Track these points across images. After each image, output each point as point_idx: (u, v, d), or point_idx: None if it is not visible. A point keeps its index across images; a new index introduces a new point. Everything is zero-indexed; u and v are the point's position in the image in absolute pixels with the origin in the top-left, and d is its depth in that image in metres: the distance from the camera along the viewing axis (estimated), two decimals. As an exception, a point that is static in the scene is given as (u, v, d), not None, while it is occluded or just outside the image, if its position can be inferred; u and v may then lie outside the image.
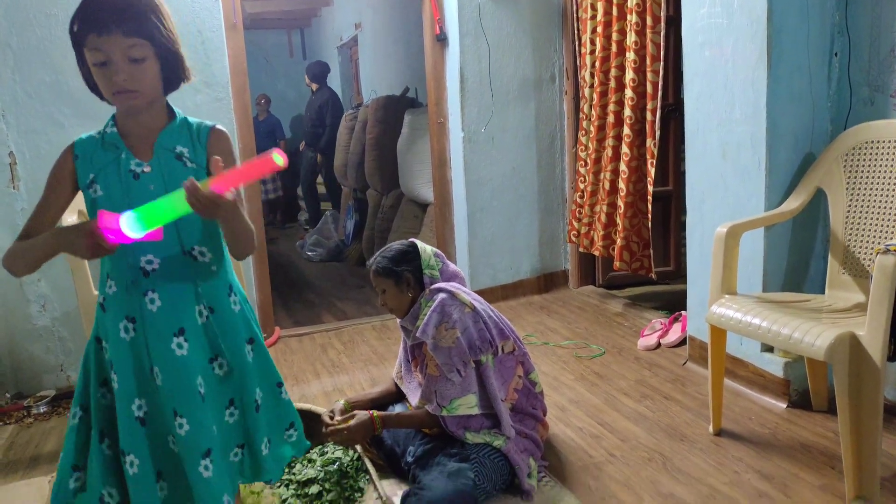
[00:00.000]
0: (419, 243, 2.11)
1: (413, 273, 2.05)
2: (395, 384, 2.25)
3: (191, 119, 1.37)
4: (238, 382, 1.40)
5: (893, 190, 2.10)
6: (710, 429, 2.24)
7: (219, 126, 1.37)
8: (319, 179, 7.13)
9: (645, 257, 3.41)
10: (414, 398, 2.09)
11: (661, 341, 3.05)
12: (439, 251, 2.14)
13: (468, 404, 1.94)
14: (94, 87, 1.30)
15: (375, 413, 1.98)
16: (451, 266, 2.14)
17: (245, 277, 3.15)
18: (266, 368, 1.46)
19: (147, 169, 1.30)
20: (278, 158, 1.08)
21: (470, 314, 2.00)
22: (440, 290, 2.03)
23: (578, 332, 3.34)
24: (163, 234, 1.19)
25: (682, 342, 2.98)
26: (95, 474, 1.34)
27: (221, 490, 1.33)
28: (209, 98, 3.12)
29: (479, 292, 3.70)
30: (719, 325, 2.10)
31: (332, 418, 2.04)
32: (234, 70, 3.23)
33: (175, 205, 1.15)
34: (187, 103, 3.07)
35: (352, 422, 1.96)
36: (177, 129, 1.33)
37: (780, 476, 1.96)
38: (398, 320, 2.11)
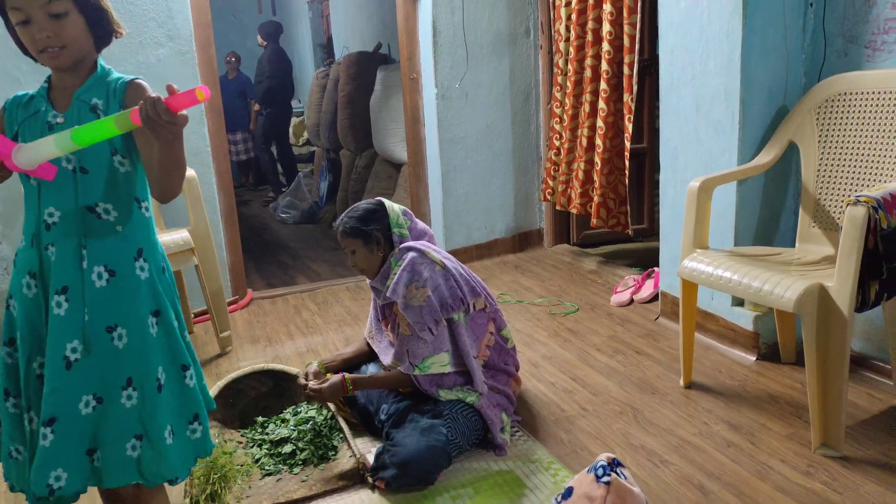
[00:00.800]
0: (387, 202, 2.07)
1: (382, 232, 2.01)
2: (368, 343, 2.23)
3: (115, 74, 1.35)
4: (137, 357, 1.31)
5: (865, 142, 2.10)
6: (681, 382, 2.27)
7: (138, 80, 1.33)
8: (297, 141, 7.01)
9: (622, 214, 3.41)
10: (385, 357, 2.08)
11: (634, 297, 3.06)
12: (408, 209, 2.10)
13: (440, 362, 1.94)
14: (26, 50, 1.30)
15: (347, 376, 1.97)
16: (420, 224, 2.10)
17: (215, 239, 3.08)
18: (173, 347, 1.36)
19: (61, 120, 1.30)
20: (200, 94, 1.09)
21: (440, 272, 1.97)
22: (410, 248, 2.00)
23: (552, 289, 3.34)
24: (53, 175, 1.20)
25: (655, 298, 3.00)
26: (5, 431, 1.37)
27: (54, 464, 1.25)
28: (172, 52, 3.00)
29: (453, 252, 3.68)
30: (690, 280, 2.11)
31: (307, 380, 2.02)
32: (197, 22, 3.10)
33: (104, 129, 1.14)
34: (150, 57, 2.96)
35: (324, 384, 1.94)
36: (95, 82, 1.32)
37: (748, 426, 2.00)
38: (368, 281, 2.09)
